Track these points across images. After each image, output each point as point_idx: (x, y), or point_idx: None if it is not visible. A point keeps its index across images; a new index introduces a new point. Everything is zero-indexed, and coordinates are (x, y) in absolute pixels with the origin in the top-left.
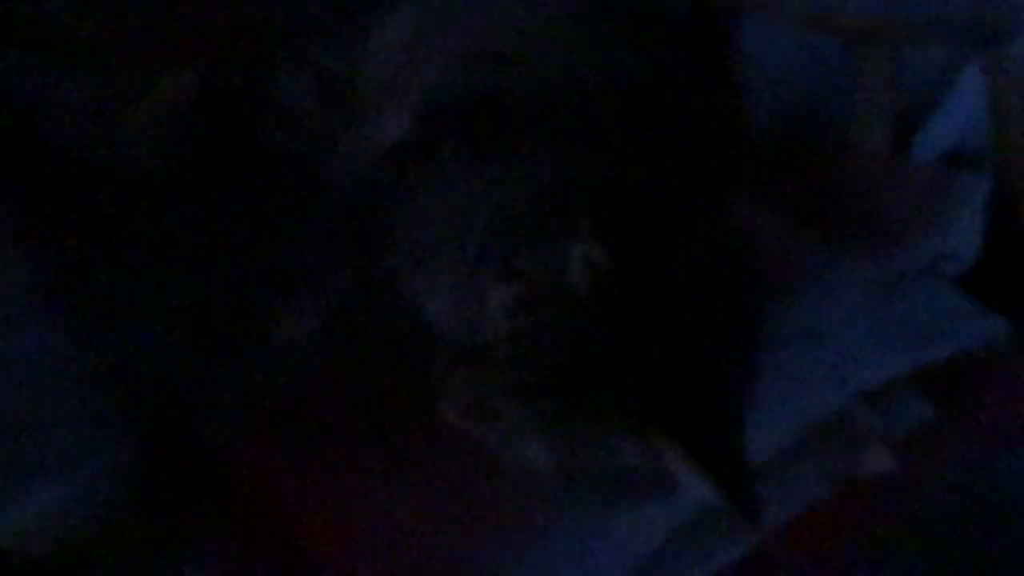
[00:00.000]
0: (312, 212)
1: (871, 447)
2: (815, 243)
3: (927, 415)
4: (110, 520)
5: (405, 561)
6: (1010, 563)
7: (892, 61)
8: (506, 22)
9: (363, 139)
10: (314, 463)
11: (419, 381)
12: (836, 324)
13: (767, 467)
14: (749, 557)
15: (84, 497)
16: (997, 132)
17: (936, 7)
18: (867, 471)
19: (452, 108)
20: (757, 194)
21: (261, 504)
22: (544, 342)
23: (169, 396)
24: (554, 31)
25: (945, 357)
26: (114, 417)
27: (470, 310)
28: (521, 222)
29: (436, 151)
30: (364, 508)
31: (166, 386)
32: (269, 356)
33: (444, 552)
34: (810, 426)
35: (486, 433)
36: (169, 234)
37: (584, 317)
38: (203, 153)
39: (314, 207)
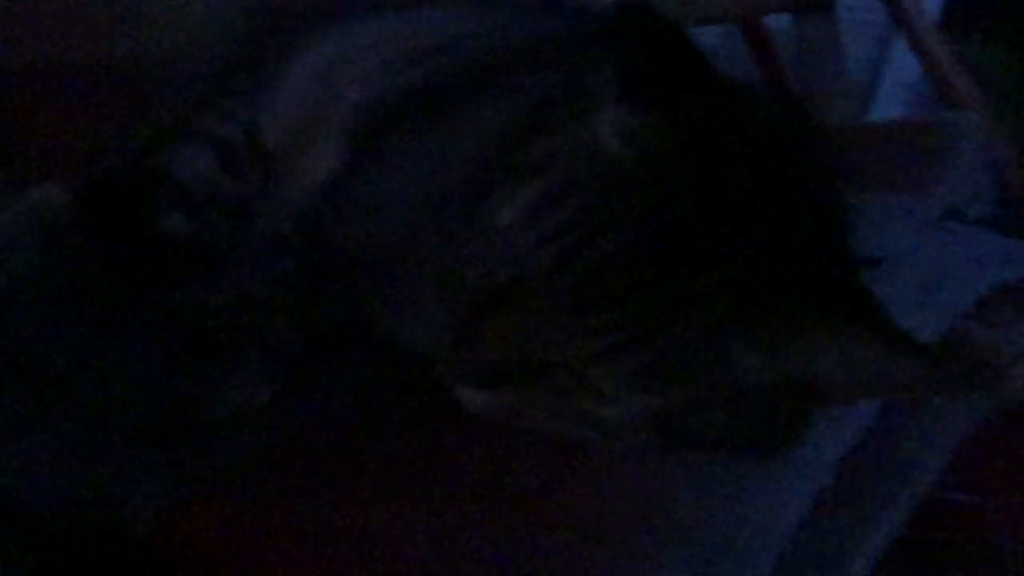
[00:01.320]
0: (238, 276)
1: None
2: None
3: None
4: None
5: None
6: None
7: (834, 28)
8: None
9: (292, 183)
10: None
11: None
12: (909, 249)
13: None
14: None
15: None
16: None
17: None
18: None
19: (385, 111)
20: None
21: None
22: (598, 239)
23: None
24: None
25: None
26: None
27: (476, 254)
28: (505, 142)
29: (377, 149)
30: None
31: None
32: (210, 438)
33: None
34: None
35: (537, 405)
36: (53, 345)
37: (640, 190)
38: (88, 255)
39: (239, 271)
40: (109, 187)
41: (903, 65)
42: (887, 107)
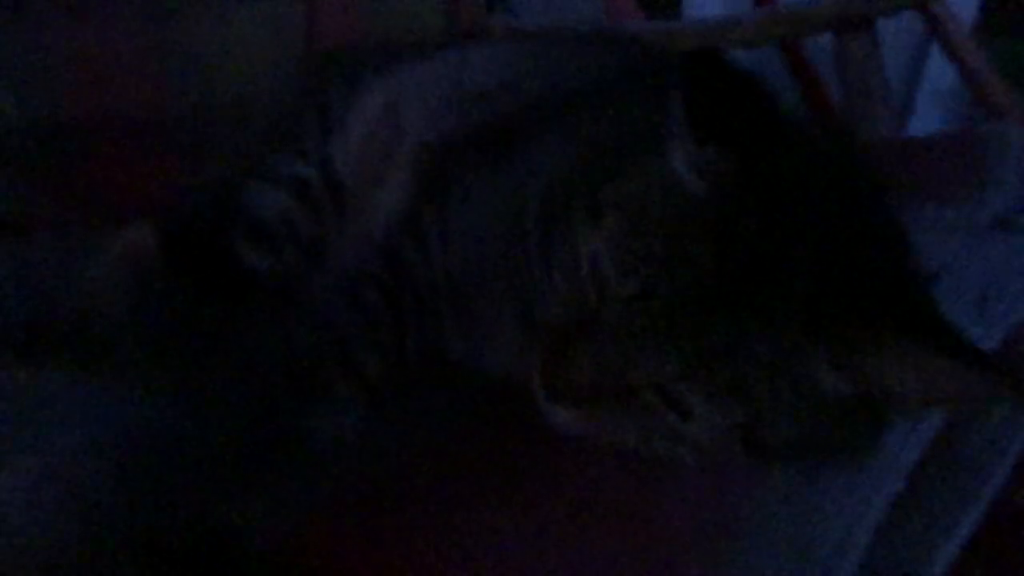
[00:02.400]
0: (325, 312)
1: None
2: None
3: None
4: None
5: None
6: None
7: (875, 45)
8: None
9: (365, 219)
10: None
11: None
12: (962, 261)
13: None
14: None
15: None
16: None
17: None
18: None
19: (450, 150)
20: None
21: None
22: (678, 268)
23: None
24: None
25: None
26: None
27: (559, 285)
28: (579, 177)
29: (450, 184)
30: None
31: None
32: (312, 462)
33: None
34: None
35: (626, 423)
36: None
37: (715, 220)
38: (177, 293)
39: (325, 307)
40: (192, 229)
41: (938, 74)
42: (924, 117)
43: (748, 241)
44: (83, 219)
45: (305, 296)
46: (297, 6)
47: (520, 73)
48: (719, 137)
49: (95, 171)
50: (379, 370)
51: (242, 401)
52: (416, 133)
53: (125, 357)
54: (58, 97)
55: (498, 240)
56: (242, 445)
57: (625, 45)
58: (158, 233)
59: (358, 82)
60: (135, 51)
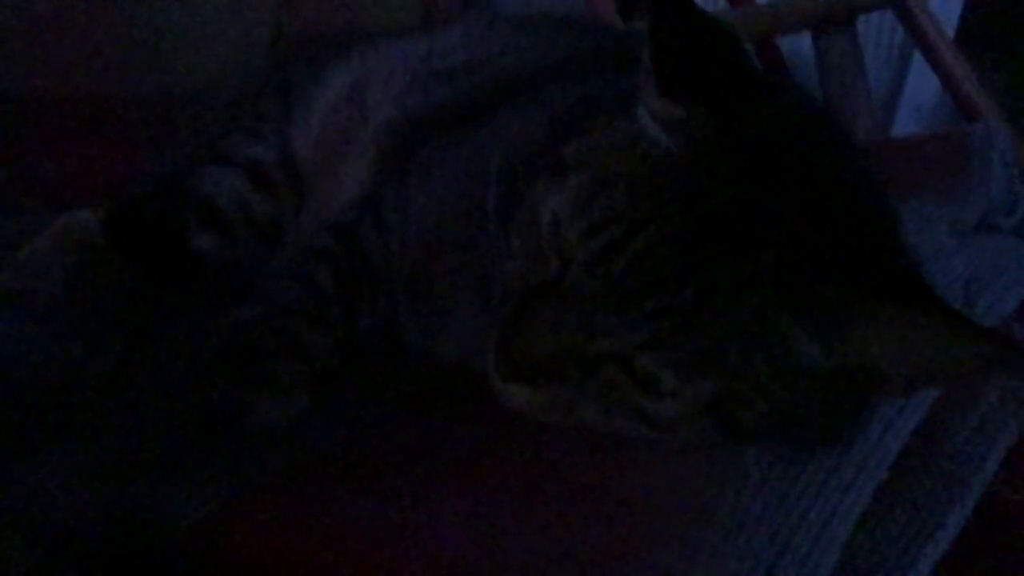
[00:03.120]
0: (273, 289)
1: None
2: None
3: None
4: None
5: None
6: None
7: (855, 44)
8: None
9: (324, 200)
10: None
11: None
12: (949, 255)
13: None
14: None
15: None
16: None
17: None
18: None
19: (416, 128)
20: None
21: None
22: (645, 227)
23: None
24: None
25: None
26: None
27: (520, 251)
28: (544, 140)
29: (412, 163)
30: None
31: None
32: (249, 444)
33: None
34: None
35: (587, 401)
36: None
37: (685, 178)
38: (120, 275)
39: (274, 283)
40: (140, 209)
41: (918, 87)
42: (905, 130)
43: (719, 200)
44: (30, 198)
45: (256, 278)
46: None
47: (490, 51)
48: (691, 92)
49: (47, 150)
50: (326, 352)
51: (179, 377)
52: (381, 111)
53: (60, 330)
54: (11, 72)
55: (458, 216)
56: (176, 422)
57: (597, 28)
58: (105, 214)
59: (323, 63)
60: (97, 29)
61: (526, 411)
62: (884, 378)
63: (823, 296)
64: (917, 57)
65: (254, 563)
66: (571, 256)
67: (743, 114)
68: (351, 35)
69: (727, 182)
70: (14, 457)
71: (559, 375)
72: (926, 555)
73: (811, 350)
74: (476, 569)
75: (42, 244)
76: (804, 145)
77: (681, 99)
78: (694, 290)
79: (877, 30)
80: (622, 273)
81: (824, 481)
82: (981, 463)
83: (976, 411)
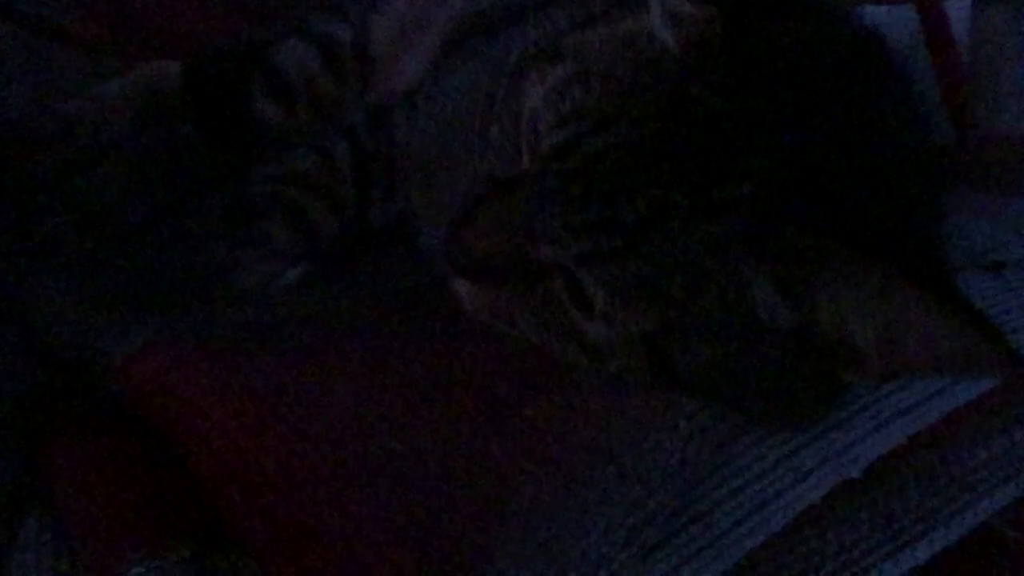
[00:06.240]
0: (293, 154)
1: None
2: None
3: None
4: None
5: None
6: None
7: (1018, 23)
8: None
9: (385, 86)
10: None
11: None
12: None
13: None
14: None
15: None
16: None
17: None
18: None
19: (473, 24)
20: None
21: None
22: (611, 127)
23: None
24: None
25: None
26: None
27: (494, 148)
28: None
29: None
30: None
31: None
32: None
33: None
34: None
35: (527, 311)
36: (129, 204)
37: (672, 83)
38: (185, 129)
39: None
40: (215, 66)
41: None
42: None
43: (703, 110)
44: (117, 45)
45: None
46: None
47: None
48: None
49: (139, 4)
50: (330, 228)
51: (187, 234)
52: (456, 5)
53: (111, 168)
54: None
55: (475, 110)
56: (177, 272)
57: None
58: (184, 66)
59: None
60: None
61: (468, 308)
62: (859, 356)
63: (798, 246)
64: None
65: (149, 398)
66: (537, 152)
67: (763, 24)
68: None
69: (719, 92)
70: (33, 273)
71: (501, 277)
72: (881, 572)
73: (773, 302)
74: (354, 456)
75: (119, 83)
76: (827, 75)
77: None
78: (645, 207)
79: None
80: (573, 173)
81: (774, 463)
82: (988, 494)
83: (1003, 439)
